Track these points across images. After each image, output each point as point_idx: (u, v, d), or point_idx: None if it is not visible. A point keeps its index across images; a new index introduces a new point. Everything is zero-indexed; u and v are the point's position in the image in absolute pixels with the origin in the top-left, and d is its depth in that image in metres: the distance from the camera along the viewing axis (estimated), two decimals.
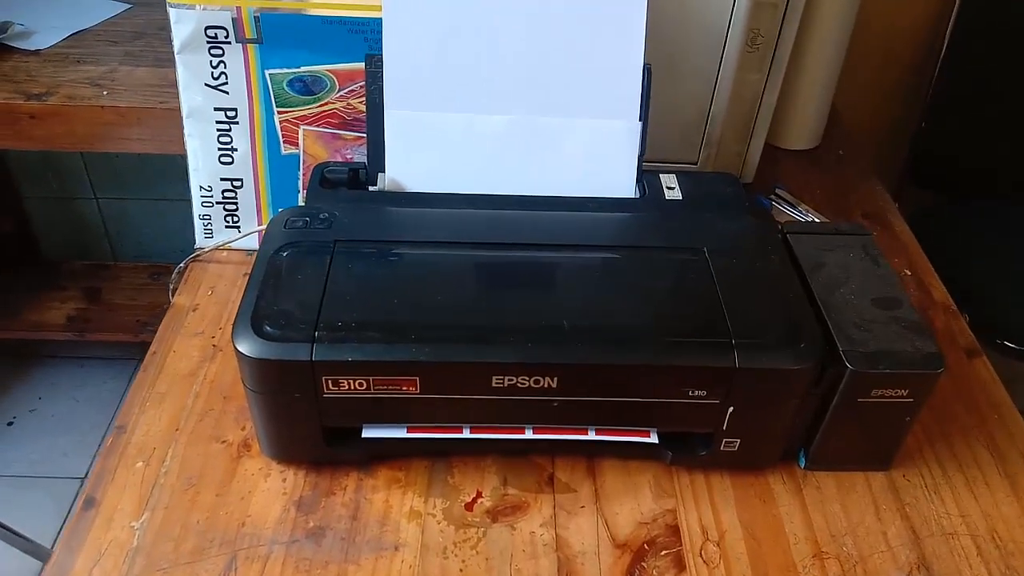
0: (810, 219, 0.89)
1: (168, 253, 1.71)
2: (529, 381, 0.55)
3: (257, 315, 0.55)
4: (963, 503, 0.62)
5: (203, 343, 0.72)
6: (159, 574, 0.55)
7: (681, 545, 0.58)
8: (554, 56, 0.68)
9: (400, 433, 0.59)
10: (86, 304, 1.53)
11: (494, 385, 0.55)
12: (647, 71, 0.68)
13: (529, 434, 0.59)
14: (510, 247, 0.62)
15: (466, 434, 0.59)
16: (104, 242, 1.70)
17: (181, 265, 0.80)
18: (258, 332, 0.54)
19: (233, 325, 0.55)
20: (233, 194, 0.79)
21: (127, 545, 0.56)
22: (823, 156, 1.04)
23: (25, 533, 1.24)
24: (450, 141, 0.68)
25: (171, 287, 0.79)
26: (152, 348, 0.71)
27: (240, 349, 0.54)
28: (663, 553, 0.58)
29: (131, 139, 1.12)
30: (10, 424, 1.57)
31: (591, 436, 0.59)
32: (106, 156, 1.57)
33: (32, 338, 1.52)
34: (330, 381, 0.55)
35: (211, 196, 0.79)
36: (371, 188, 0.69)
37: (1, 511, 1.28)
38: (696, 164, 0.87)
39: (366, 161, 0.70)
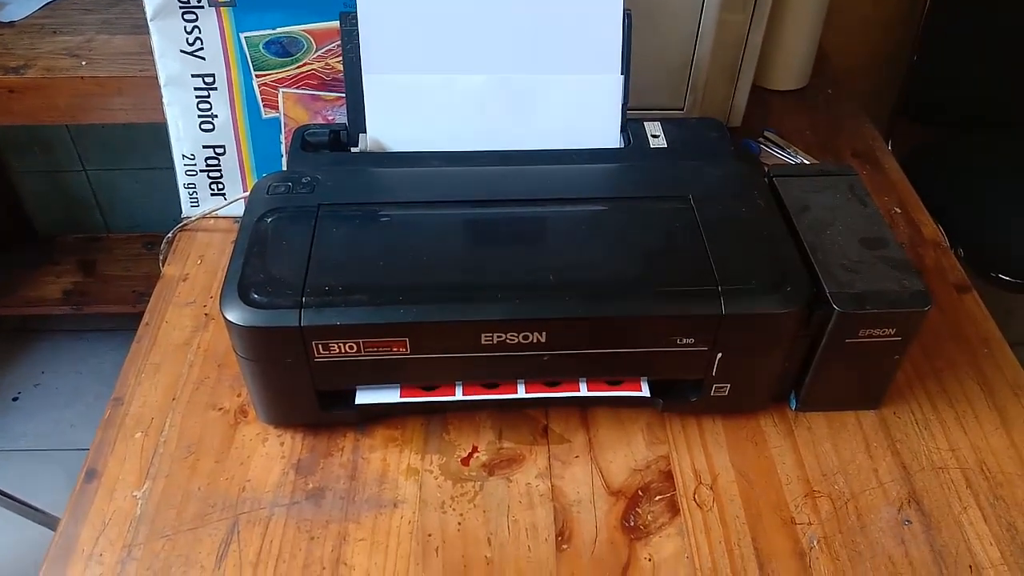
0: (799, 161, 0.89)
1: (161, 222, 1.69)
2: (518, 337, 0.55)
3: (244, 283, 0.55)
4: (953, 437, 0.63)
5: (195, 312, 0.72)
6: (163, 541, 0.56)
7: (675, 490, 0.59)
8: (532, 11, 0.66)
9: (393, 398, 0.59)
10: (81, 277, 1.53)
11: (483, 342, 0.55)
12: (627, 17, 0.67)
13: (521, 392, 0.59)
14: (495, 203, 0.62)
15: (458, 395, 0.59)
16: (96, 214, 1.69)
17: (169, 235, 0.79)
18: (246, 300, 0.54)
19: (220, 294, 0.55)
20: (216, 161, 0.78)
21: (130, 514, 0.57)
22: (812, 96, 1.03)
23: (38, 505, 1.26)
24: (430, 102, 0.67)
25: (161, 257, 0.79)
26: (144, 319, 0.72)
27: (229, 318, 0.54)
28: (657, 498, 0.59)
29: (114, 109, 1.11)
30: (15, 399, 1.58)
31: (583, 392, 0.60)
32: (92, 127, 1.55)
33: (31, 314, 1.52)
34: (320, 345, 0.55)
35: (194, 164, 0.79)
36: (353, 150, 0.69)
37: (13, 484, 1.30)
38: (683, 110, 0.87)
39: (346, 122, 0.69)
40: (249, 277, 0.56)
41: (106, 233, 1.69)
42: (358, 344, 0.55)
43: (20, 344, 1.67)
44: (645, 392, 0.60)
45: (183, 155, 0.78)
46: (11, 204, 1.61)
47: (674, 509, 0.58)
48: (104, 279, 1.53)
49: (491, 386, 0.60)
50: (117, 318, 1.58)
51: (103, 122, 1.13)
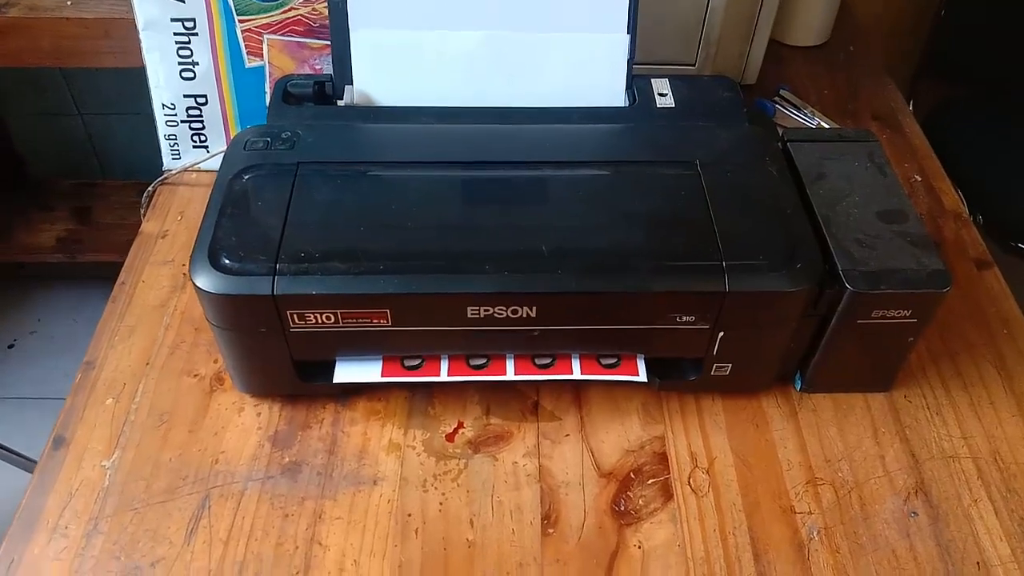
0: (816, 123, 0.84)
1: (159, 169, 1.66)
2: (507, 311, 0.52)
3: (215, 247, 0.52)
4: (966, 424, 0.60)
5: (173, 272, 0.69)
6: (131, 514, 0.53)
7: (669, 473, 0.56)
8: None
9: (373, 377, 0.56)
10: (75, 225, 1.49)
11: (470, 316, 0.52)
12: None
13: (511, 374, 0.56)
14: (486, 165, 0.58)
15: (443, 377, 0.56)
16: (92, 159, 1.65)
17: (150, 188, 0.76)
18: (216, 266, 0.51)
19: (190, 258, 0.52)
20: (198, 112, 0.74)
21: (98, 485, 0.55)
22: (833, 52, 0.97)
23: (30, 455, 1.25)
24: (422, 59, 0.62)
25: (142, 211, 0.75)
26: (120, 278, 0.68)
27: (198, 284, 0.51)
28: (650, 482, 0.56)
29: (101, 52, 1.07)
30: (11, 347, 1.56)
31: (576, 376, 0.56)
32: (86, 69, 1.50)
33: (25, 261, 1.50)
34: (296, 315, 0.52)
35: (175, 115, 0.74)
36: (339, 103, 0.64)
37: (7, 432, 1.28)
38: (694, 66, 0.82)
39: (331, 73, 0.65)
40: (221, 240, 0.52)
41: (102, 179, 1.65)
42: (336, 314, 0.52)
43: (16, 290, 1.65)
44: (642, 377, 0.56)
45: (163, 104, 0.74)
46: (4, 147, 1.57)
47: (667, 494, 0.55)
48: (98, 227, 1.49)
49: (478, 366, 0.56)
50: (113, 266, 1.55)
51: (89, 66, 1.09)
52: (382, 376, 0.56)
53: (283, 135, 0.59)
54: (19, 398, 1.49)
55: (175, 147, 0.76)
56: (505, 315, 0.52)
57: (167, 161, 0.77)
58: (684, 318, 0.53)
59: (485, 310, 0.52)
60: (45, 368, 1.53)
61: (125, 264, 0.69)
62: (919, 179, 0.80)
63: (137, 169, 1.65)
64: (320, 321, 0.52)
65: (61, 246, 1.46)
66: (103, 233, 1.49)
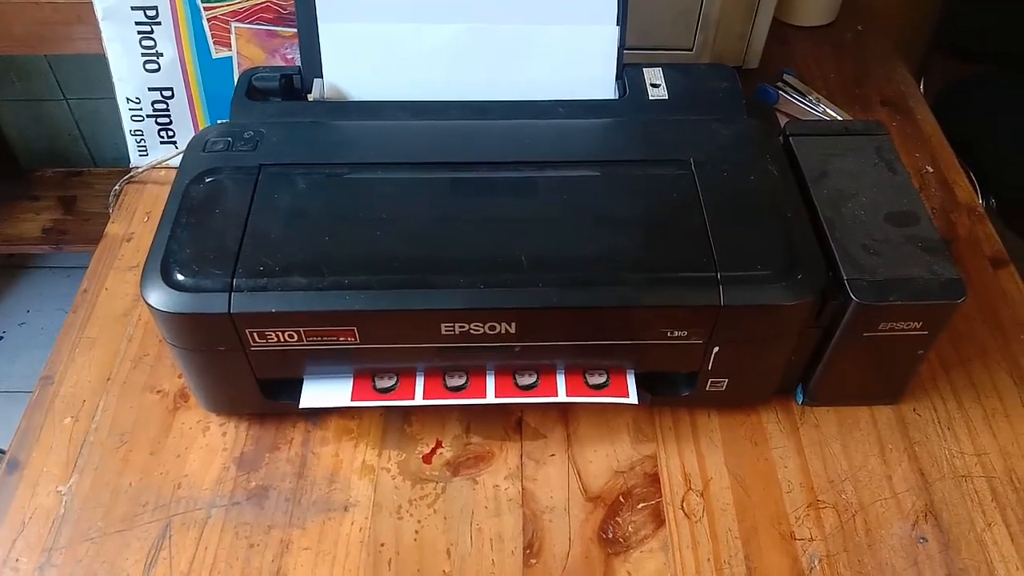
0: (821, 110, 0.79)
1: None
2: (484, 327, 0.48)
3: (168, 261, 0.48)
4: (979, 439, 0.56)
5: (138, 278, 0.64)
6: (87, 545, 0.50)
7: (661, 496, 0.53)
8: None
9: (343, 401, 0.52)
10: (61, 214, 1.46)
11: (444, 332, 0.48)
12: None
13: (491, 398, 0.52)
14: (462, 167, 0.53)
15: (418, 400, 0.52)
16: (80, 145, 1.61)
17: (116, 187, 0.72)
18: (168, 281, 0.47)
19: (141, 273, 0.48)
20: (164, 106, 0.70)
21: (53, 513, 0.52)
22: (840, 32, 0.92)
23: None
24: (397, 52, 0.58)
25: (109, 211, 0.72)
26: (83, 285, 0.65)
27: (149, 301, 0.47)
28: (640, 506, 0.52)
29: (75, 38, 1.03)
30: (0, 339, 1.54)
31: (561, 398, 0.52)
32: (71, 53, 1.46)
33: (10, 252, 1.46)
34: (256, 334, 0.48)
35: (140, 109, 0.70)
36: (308, 97, 0.60)
37: None
38: (691, 50, 0.77)
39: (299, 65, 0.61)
40: (175, 253, 0.48)
41: (92, 166, 1.61)
42: (299, 332, 0.48)
43: (5, 281, 1.62)
44: (632, 399, 0.52)
45: (128, 98, 0.70)
46: None
47: (659, 519, 0.52)
48: (83, 216, 1.45)
49: (457, 388, 0.53)
50: None
51: (64, 52, 1.05)
52: (352, 400, 0.52)
53: (246, 134, 0.55)
54: (9, 392, 1.46)
55: (142, 143, 0.72)
56: (482, 331, 0.48)
57: (134, 158, 0.73)
58: (676, 333, 0.49)
59: (460, 326, 0.48)
60: (35, 361, 1.49)
61: (88, 270, 0.66)
62: (931, 170, 0.75)
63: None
64: (283, 339, 0.48)
65: (46, 237, 1.43)
66: (87, 223, 1.46)
